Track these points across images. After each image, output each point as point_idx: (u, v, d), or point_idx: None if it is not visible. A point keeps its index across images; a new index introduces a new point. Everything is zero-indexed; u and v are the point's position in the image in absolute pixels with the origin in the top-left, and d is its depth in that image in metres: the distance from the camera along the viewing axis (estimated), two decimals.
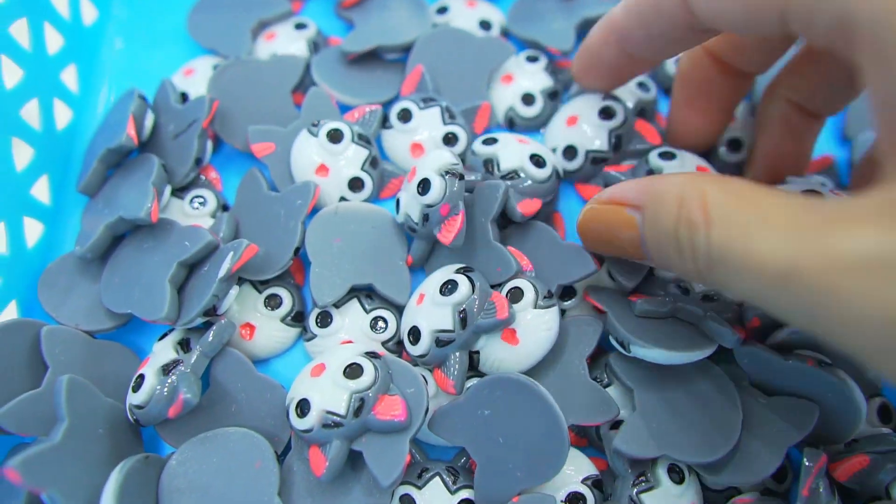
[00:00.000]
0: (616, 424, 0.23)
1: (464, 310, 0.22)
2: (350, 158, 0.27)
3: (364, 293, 0.26)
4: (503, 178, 0.26)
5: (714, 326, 0.22)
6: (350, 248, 0.26)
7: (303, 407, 0.22)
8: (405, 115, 0.28)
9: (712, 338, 0.23)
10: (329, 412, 0.21)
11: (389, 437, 0.22)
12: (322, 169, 0.27)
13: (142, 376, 0.23)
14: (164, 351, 0.24)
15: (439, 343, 0.23)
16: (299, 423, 0.22)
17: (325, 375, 0.22)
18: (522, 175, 0.26)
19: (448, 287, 0.23)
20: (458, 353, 0.23)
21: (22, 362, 0.23)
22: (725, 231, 0.16)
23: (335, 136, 0.27)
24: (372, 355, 0.23)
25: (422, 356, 0.23)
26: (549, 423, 0.21)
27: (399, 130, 0.28)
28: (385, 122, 0.29)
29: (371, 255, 0.26)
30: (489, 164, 0.26)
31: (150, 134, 0.28)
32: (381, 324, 0.25)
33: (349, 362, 0.22)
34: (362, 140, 0.27)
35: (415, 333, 0.23)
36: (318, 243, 0.26)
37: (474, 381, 0.24)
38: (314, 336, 0.25)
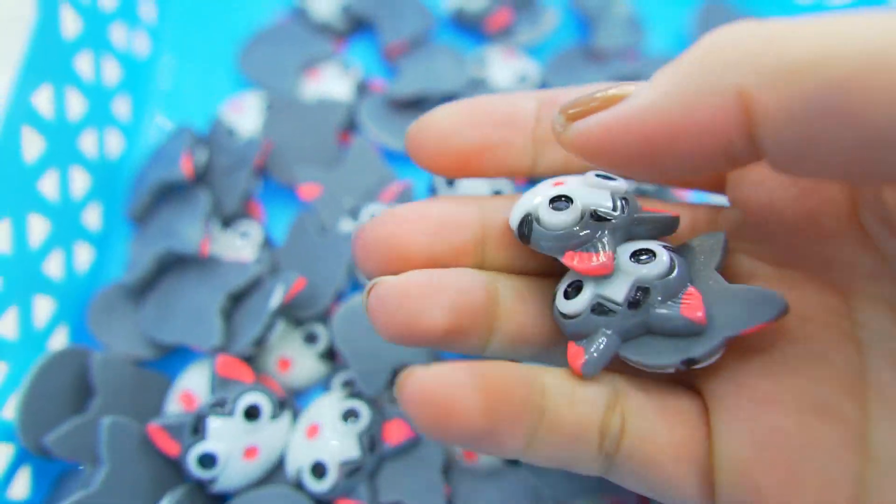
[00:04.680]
0: None
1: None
2: None
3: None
4: None
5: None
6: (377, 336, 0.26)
7: (318, 470, 0.22)
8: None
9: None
10: (346, 462, 0.22)
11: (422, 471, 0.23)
12: None
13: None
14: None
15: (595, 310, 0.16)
16: (320, 486, 0.22)
17: (324, 432, 0.23)
18: None
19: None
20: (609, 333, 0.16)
21: (72, 388, 0.24)
22: None
23: None
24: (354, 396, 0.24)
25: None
26: None
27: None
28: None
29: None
30: None
31: (202, 168, 0.29)
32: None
33: (344, 409, 0.23)
34: None
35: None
36: (348, 341, 0.25)
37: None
38: None
